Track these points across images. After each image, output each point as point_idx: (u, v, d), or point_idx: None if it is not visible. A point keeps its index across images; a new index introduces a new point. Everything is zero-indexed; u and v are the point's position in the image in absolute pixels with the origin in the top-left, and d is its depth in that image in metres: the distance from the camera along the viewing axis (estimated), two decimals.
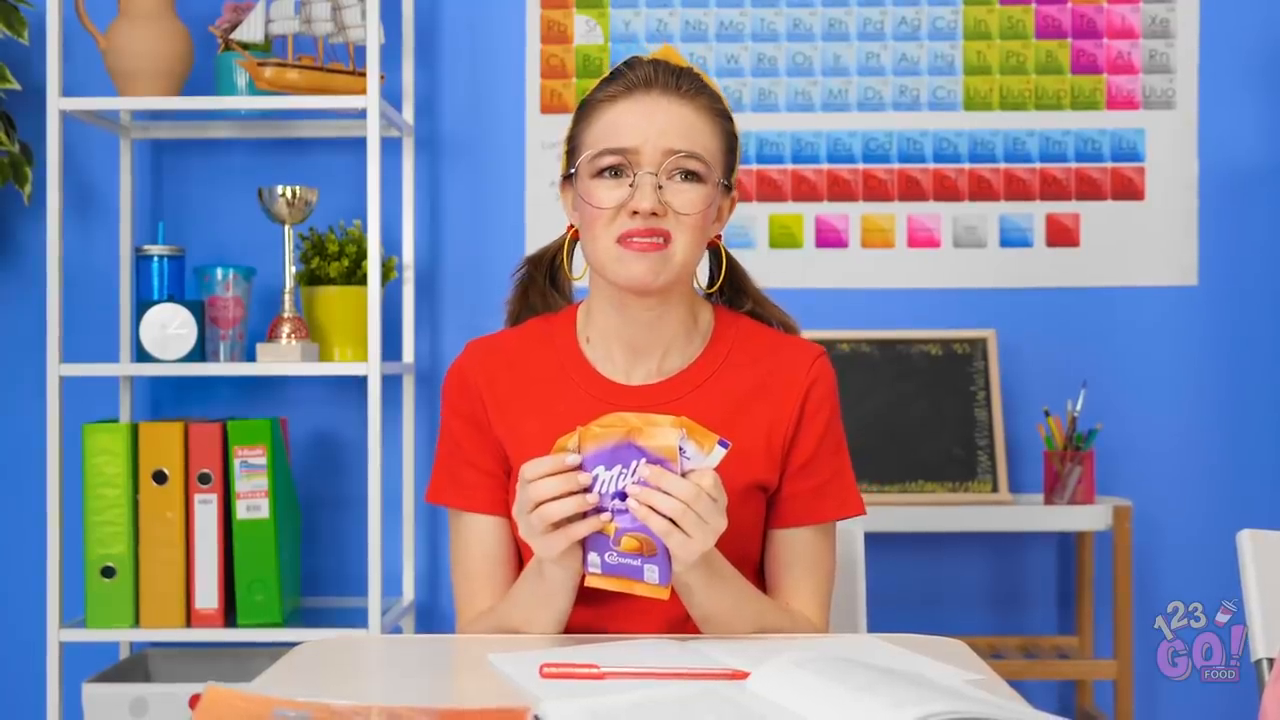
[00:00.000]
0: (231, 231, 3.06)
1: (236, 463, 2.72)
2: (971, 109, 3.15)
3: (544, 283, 1.77)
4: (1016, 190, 3.14)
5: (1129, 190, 3.13)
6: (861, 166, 3.16)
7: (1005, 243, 3.15)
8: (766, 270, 3.11)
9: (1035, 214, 3.15)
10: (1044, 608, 3.15)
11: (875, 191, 3.15)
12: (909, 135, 3.15)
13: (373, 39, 2.73)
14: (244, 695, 1.13)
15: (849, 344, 3.04)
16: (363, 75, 2.75)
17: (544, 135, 3.15)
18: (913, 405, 3.00)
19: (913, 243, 3.15)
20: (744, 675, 1.23)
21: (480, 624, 1.66)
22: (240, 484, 2.72)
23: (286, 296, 2.82)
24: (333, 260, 2.87)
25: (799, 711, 1.12)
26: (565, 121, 3.14)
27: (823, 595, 1.69)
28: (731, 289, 1.79)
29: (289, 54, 2.80)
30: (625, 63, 1.68)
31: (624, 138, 1.61)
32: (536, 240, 3.12)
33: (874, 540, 3.03)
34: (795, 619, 1.68)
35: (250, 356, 2.84)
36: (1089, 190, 3.13)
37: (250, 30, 2.77)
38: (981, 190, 3.15)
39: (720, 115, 1.67)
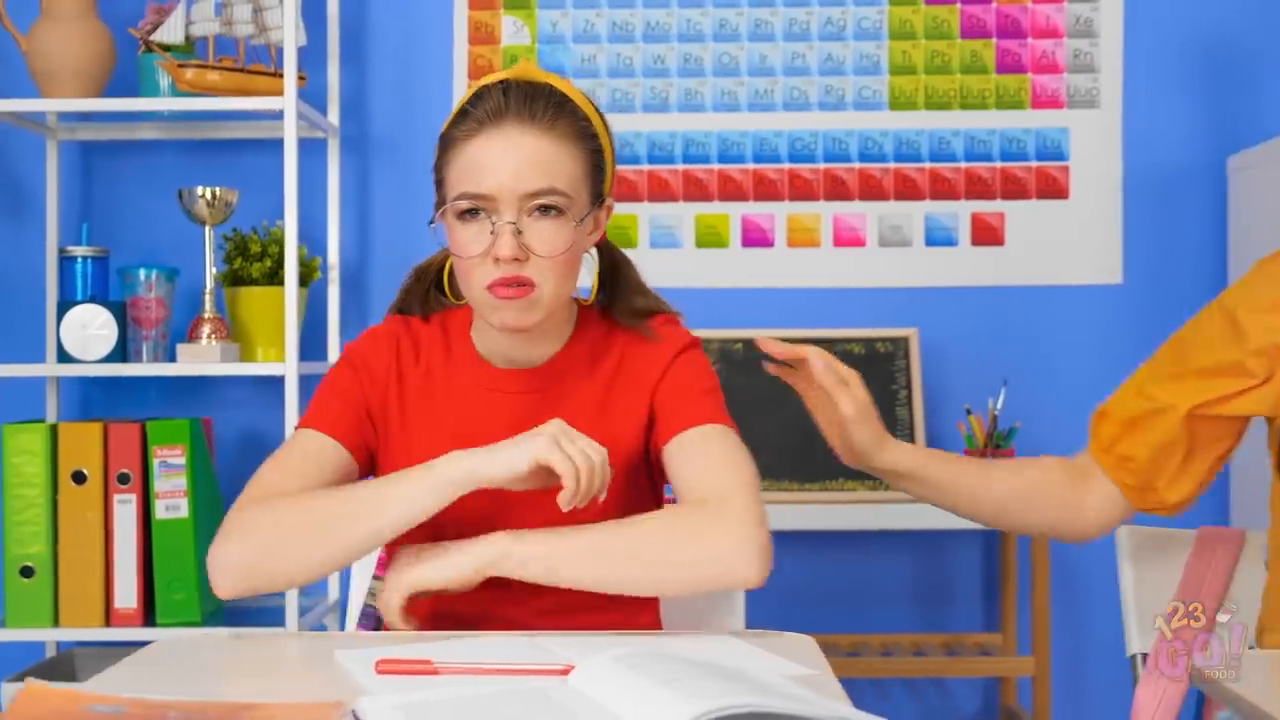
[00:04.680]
0: (157, 232, 3.07)
1: (155, 463, 2.73)
2: (897, 109, 3.17)
3: (424, 293, 1.77)
4: (942, 189, 3.16)
5: (1054, 189, 3.15)
6: (787, 166, 3.17)
7: (930, 242, 3.16)
8: (693, 270, 3.16)
9: (960, 213, 3.16)
10: (971, 606, 3.17)
11: (801, 191, 3.17)
12: (834, 135, 3.17)
13: (290, 40, 2.74)
14: (60, 691, 1.14)
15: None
16: (283, 76, 2.76)
17: None
18: None
19: (838, 242, 3.17)
20: (568, 670, 1.24)
21: (252, 509, 1.57)
22: (159, 484, 2.73)
23: (207, 297, 2.84)
24: (255, 261, 2.89)
25: (605, 704, 1.14)
26: None
27: (737, 481, 1.55)
28: (614, 287, 1.79)
29: (209, 55, 2.81)
30: (476, 93, 1.64)
31: (480, 183, 1.58)
32: None
33: (798, 539, 3.07)
34: (693, 511, 1.54)
35: (173, 357, 2.86)
36: (1014, 189, 3.15)
37: (170, 32, 2.79)
38: (907, 189, 3.16)
39: (582, 135, 1.64)
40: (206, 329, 2.81)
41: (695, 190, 3.17)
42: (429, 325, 1.75)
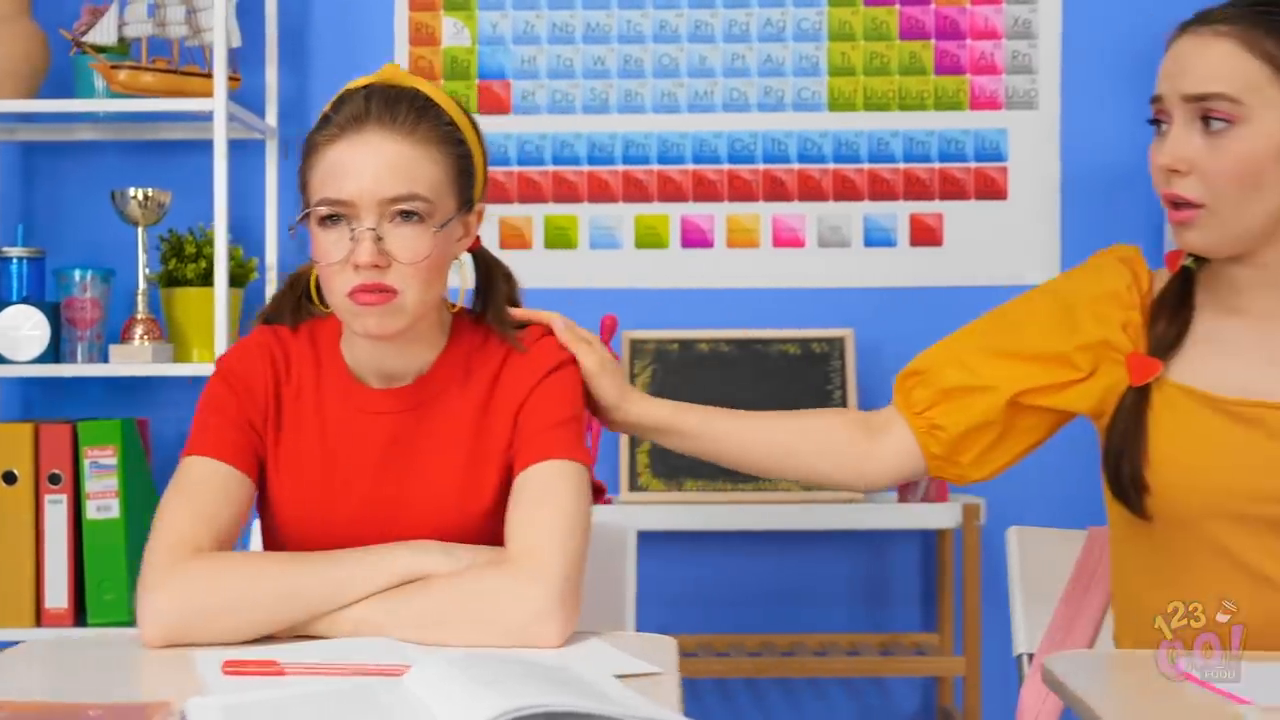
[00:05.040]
0: (95, 234, 3.08)
1: (86, 463, 2.74)
2: (836, 110, 3.17)
3: (296, 302, 1.75)
4: (880, 190, 3.17)
5: (992, 190, 3.15)
6: (727, 167, 3.18)
7: (869, 242, 3.17)
8: (632, 270, 3.16)
9: (899, 214, 3.17)
10: (909, 606, 3.17)
11: (740, 192, 3.18)
12: (774, 136, 3.18)
13: (220, 42, 2.75)
14: None
15: (708, 344, 3.06)
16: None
17: None
18: (770, 404, 2.98)
19: (777, 242, 3.18)
20: (404, 670, 1.25)
21: (192, 563, 1.55)
22: (90, 484, 2.74)
23: (140, 298, 2.85)
24: (190, 262, 2.90)
25: (427, 703, 1.15)
26: None
27: (553, 534, 1.55)
28: (489, 294, 1.78)
29: (143, 57, 2.82)
30: (339, 98, 1.63)
31: (340, 188, 1.57)
32: None
33: (733, 539, 3.08)
34: (495, 573, 1.53)
35: (107, 358, 2.87)
36: (952, 190, 3.16)
37: (103, 33, 2.80)
38: (846, 190, 3.17)
39: (446, 139, 1.63)
40: (139, 330, 2.82)
41: (635, 191, 3.18)
42: (297, 337, 1.72)
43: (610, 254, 3.19)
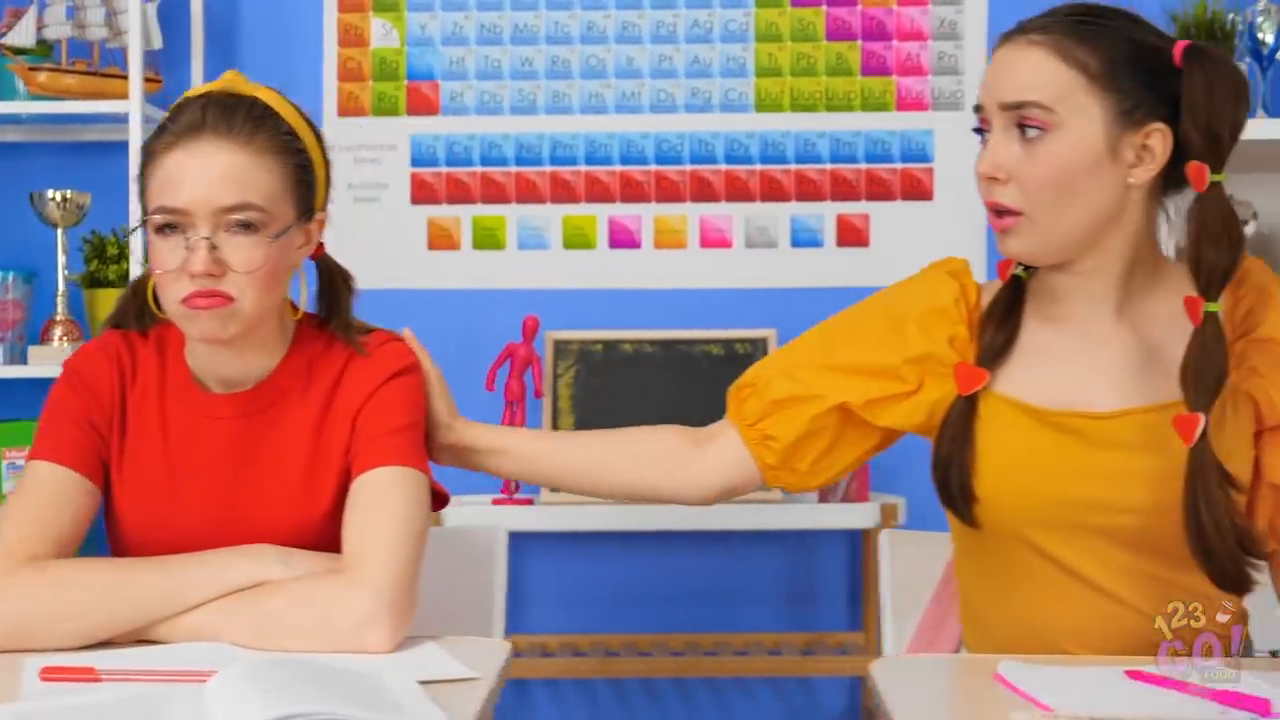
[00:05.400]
0: (17, 235, 3.09)
1: (4, 464, 2.75)
2: (763, 110, 3.18)
3: (140, 308, 1.74)
4: (807, 191, 3.17)
5: (918, 191, 3.16)
6: (654, 168, 3.19)
7: (796, 243, 3.18)
8: (560, 271, 3.17)
9: (826, 214, 3.17)
10: (835, 605, 3.18)
11: (667, 193, 3.18)
12: (701, 137, 3.18)
13: (135, 44, 2.77)
14: None
15: (631, 344, 3.07)
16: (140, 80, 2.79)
17: (341, 138, 3.18)
18: (694, 405, 3.01)
19: (705, 243, 3.18)
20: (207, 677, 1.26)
21: (25, 570, 1.54)
22: (8, 485, 2.75)
23: (60, 299, 2.86)
24: (112, 263, 2.91)
25: (209, 709, 1.16)
26: (364, 124, 3.20)
27: (386, 542, 1.56)
28: (332, 301, 1.78)
29: (63, 59, 2.83)
30: (178, 105, 1.64)
31: (175, 197, 1.57)
32: (334, 242, 3.14)
33: (661, 539, 3.09)
34: (328, 581, 1.54)
35: (27, 359, 2.88)
36: (879, 191, 3.16)
37: (22, 35, 2.81)
38: (773, 191, 3.17)
39: (284, 149, 1.63)
40: (59, 331, 2.84)
41: (562, 192, 3.19)
42: (146, 342, 1.73)
43: (538, 255, 3.19)
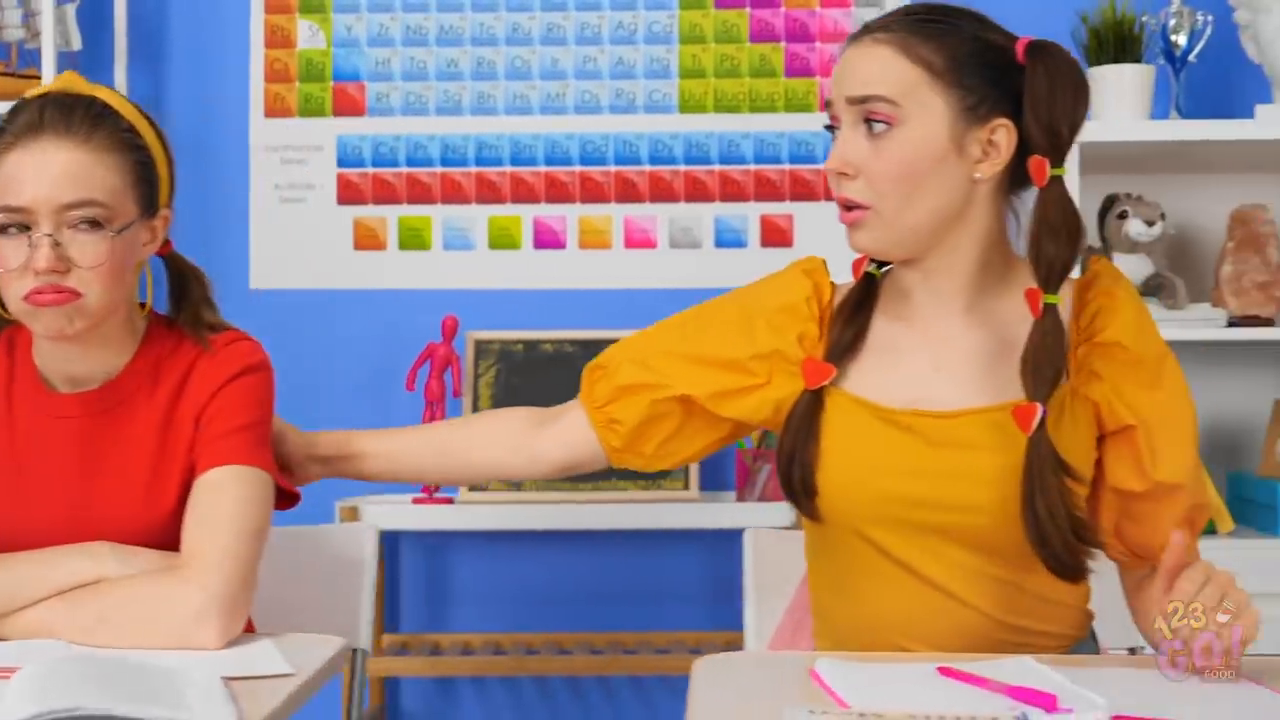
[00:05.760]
0: None
1: None
2: (687, 111, 3.19)
3: None
4: (731, 191, 3.19)
5: None
6: (579, 169, 3.20)
7: (720, 243, 3.19)
8: (486, 271, 3.19)
9: (750, 215, 3.19)
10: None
11: (592, 193, 3.20)
12: (625, 138, 3.20)
13: (48, 44, 2.78)
14: None
15: (552, 344, 3.09)
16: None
17: (268, 139, 3.20)
18: None
19: (629, 243, 3.20)
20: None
21: None
22: None
23: None
24: None
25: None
26: (290, 125, 3.21)
27: (222, 541, 1.59)
28: (181, 299, 1.80)
29: None
30: (15, 107, 1.65)
31: (17, 196, 1.59)
32: (261, 243, 3.17)
33: (572, 539, 3.10)
34: (163, 578, 1.56)
35: None
36: (802, 191, 3.18)
37: None
38: (697, 192, 3.19)
39: (124, 146, 1.65)
40: None
41: (488, 192, 3.20)
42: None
43: (463, 255, 3.21)
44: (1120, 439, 1.62)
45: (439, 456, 1.82)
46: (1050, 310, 1.57)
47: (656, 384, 1.71)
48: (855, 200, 1.60)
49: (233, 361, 1.71)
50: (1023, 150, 1.61)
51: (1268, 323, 2.81)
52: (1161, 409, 1.62)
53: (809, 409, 1.64)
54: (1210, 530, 2.77)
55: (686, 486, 2.98)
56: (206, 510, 1.60)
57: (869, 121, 1.59)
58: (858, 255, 1.73)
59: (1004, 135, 1.60)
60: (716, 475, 3.12)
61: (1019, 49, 1.61)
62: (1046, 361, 1.56)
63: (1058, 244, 1.58)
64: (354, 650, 1.90)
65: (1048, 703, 1.22)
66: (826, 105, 1.65)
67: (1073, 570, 1.56)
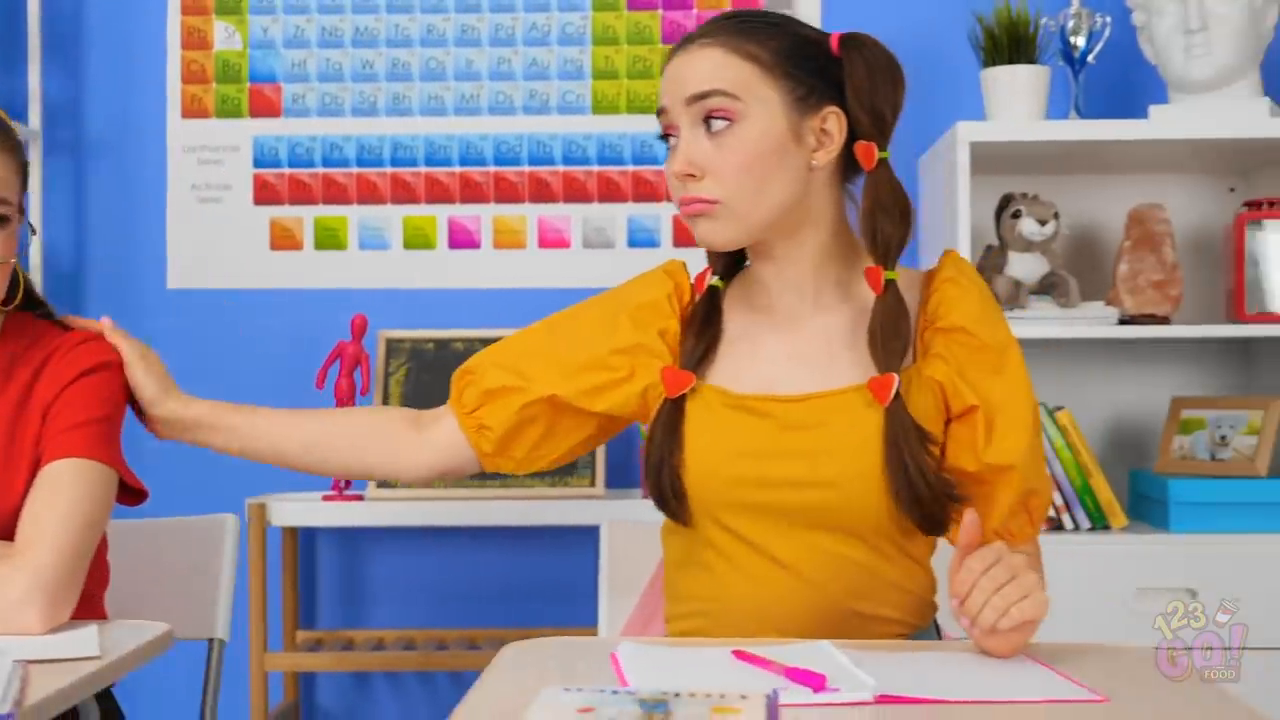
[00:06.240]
0: None
1: None
2: (600, 113, 3.22)
3: None
4: (644, 192, 3.22)
5: None
6: (493, 169, 3.23)
7: (633, 243, 3.22)
8: (400, 271, 3.21)
9: (663, 215, 3.22)
10: None
11: (506, 193, 3.23)
12: (539, 138, 3.23)
13: None
14: None
15: (463, 343, 3.11)
16: None
17: (185, 139, 3.23)
18: None
19: (543, 243, 3.23)
20: None
21: None
22: None
23: None
24: None
25: None
26: (207, 126, 3.24)
27: (50, 529, 1.62)
28: (28, 300, 1.83)
29: None
30: None
31: None
32: (178, 242, 3.20)
33: (478, 535, 3.13)
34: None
35: None
36: None
37: None
38: (610, 192, 3.22)
39: (17, 147, 1.70)
40: None
41: (403, 193, 3.23)
42: None
43: (379, 255, 3.24)
44: (962, 423, 1.66)
45: (306, 449, 1.82)
46: (891, 285, 1.64)
47: (523, 387, 1.75)
48: (705, 199, 1.64)
49: (83, 359, 1.74)
50: (850, 140, 1.66)
51: (1163, 321, 2.84)
52: (1001, 394, 1.67)
53: (670, 418, 1.68)
54: (1104, 525, 2.82)
55: (593, 484, 3.01)
56: (43, 500, 1.64)
57: (708, 120, 1.63)
58: (705, 260, 1.77)
59: (835, 122, 1.66)
60: (623, 473, 3.15)
61: (833, 42, 1.67)
62: (893, 334, 1.63)
63: (891, 222, 1.66)
64: (210, 640, 1.93)
65: (816, 682, 1.25)
66: (659, 114, 1.68)
67: (941, 525, 1.63)
